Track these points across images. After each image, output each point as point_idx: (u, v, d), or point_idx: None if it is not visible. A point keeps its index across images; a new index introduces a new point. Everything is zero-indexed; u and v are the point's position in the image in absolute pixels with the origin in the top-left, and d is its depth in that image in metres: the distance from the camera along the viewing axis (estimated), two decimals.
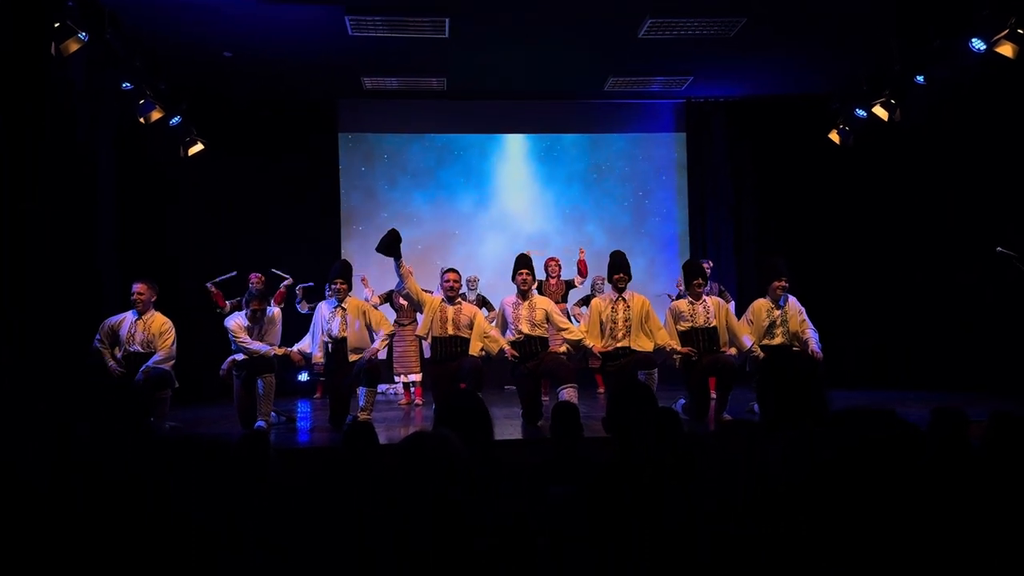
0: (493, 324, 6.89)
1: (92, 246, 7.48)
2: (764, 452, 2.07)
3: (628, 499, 2.04)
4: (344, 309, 6.59)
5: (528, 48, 8.36)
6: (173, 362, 6.52)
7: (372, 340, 6.60)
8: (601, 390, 8.82)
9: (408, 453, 1.73)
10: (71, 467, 2.02)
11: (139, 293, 6.51)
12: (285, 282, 8.48)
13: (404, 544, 1.62)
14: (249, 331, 6.52)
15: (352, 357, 6.51)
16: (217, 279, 8.22)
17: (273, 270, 8.53)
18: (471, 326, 6.46)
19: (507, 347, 6.44)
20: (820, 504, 1.21)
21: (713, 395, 6.84)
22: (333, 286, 6.63)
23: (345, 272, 6.72)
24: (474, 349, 6.40)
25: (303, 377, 9.35)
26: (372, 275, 8.89)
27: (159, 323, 6.53)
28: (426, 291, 6.95)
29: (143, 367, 6.30)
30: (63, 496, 1.92)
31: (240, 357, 6.50)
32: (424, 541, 1.62)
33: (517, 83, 9.54)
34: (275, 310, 6.84)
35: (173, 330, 6.58)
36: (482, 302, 8.41)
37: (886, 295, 9.44)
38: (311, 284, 8.51)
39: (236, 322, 6.52)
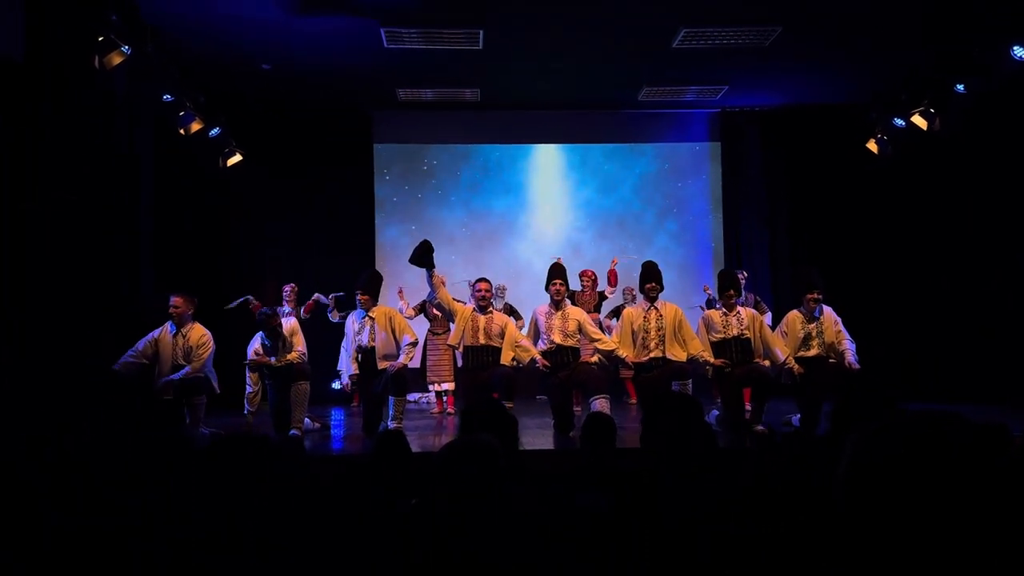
0: (525, 333, 6.89)
1: (135, 253, 7.61)
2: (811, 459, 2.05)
3: (628, 499, 2.04)
4: (372, 318, 6.64)
5: (562, 59, 8.38)
6: (203, 373, 6.62)
7: (399, 346, 6.64)
8: (633, 400, 8.78)
9: (456, 457, 1.74)
10: (71, 467, 2.06)
11: (175, 306, 6.56)
12: (316, 295, 8.57)
13: (441, 545, 1.63)
14: (270, 350, 6.58)
15: (382, 364, 6.56)
16: (231, 304, 8.38)
17: (320, 296, 8.63)
18: (503, 335, 6.48)
19: (538, 357, 6.44)
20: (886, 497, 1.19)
21: (747, 406, 6.77)
22: (356, 297, 6.70)
23: (368, 285, 6.73)
24: (505, 359, 6.42)
25: (336, 385, 9.43)
26: (405, 283, 8.96)
27: (198, 334, 6.60)
28: (458, 301, 7.00)
29: (169, 378, 6.41)
30: (63, 496, 1.95)
31: (269, 358, 6.59)
32: (463, 542, 1.63)
33: (551, 94, 9.56)
34: (291, 321, 6.90)
35: (211, 343, 6.63)
36: (509, 311, 8.42)
37: (922, 306, 9.28)
38: (342, 294, 8.58)
39: (254, 349, 6.63)
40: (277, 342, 6.59)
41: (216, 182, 9.38)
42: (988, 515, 1.22)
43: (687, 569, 1.81)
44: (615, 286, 8.78)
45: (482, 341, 6.46)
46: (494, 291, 8.08)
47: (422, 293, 8.78)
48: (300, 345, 6.71)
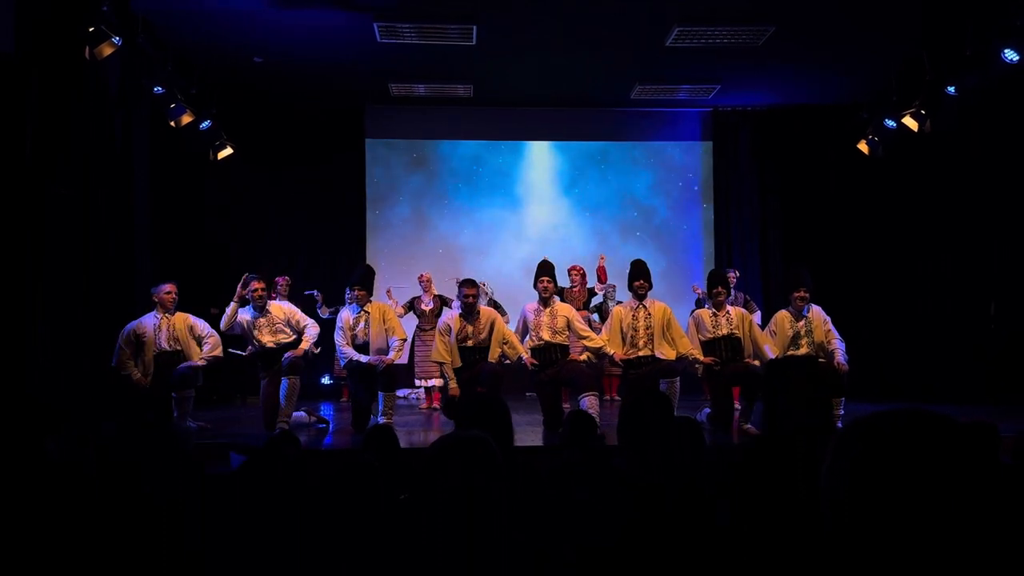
0: (512, 329, 6.88)
1: (130, 247, 7.58)
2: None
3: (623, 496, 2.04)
4: (367, 313, 6.65)
5: (555, 56, 8.37)
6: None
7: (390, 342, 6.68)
8: (614, 396, 8.80)
9: (448, 452, 1.74)
10: (94, 465, 2.05)
11: (172, 293, 6.66)
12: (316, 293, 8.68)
13: (440, 544, 1.63)
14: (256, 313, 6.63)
15: (373, 360, 6.57)
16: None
17: (307, 293, 8.70)
18: (491, 332, 6.49)
19: (525, 356, 6.45)
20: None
21: (738, 405, 6.79)
22: (353, 292, 6.69)
23: (364, 279, 6.77)
24: (493, 355, 6.42)
25: (326, 380, 9.43)
26: (396, 278, 8.96)
27: (182, 319, 6.66)
28: (443, 296, 6.98)
29: (203, 357, 6.57)
30: (80, 493, 1.94)
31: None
32: (461, 539, 1.63)
33: (543, 90, 9.56)
34: (287, 305, 6.93)
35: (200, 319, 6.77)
36: (493, 306, 8.42)
37: (915, 306, 9.33)
38: (315, 291, 8.66)
39: (244, 318, 6.67)
40: (260, 313, 6.63)
41: (209, 177, 9.34)
42: (979, 517, 1.22)
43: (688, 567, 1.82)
44: (605, 282, 8.80)
45: (470, 344, 6.47)
46: (478, 289, 8.09)
47: (409, 292, 8.81)
48: (308, 324, 6.75)
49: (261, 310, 6.63)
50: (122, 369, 6.45)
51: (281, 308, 6.78)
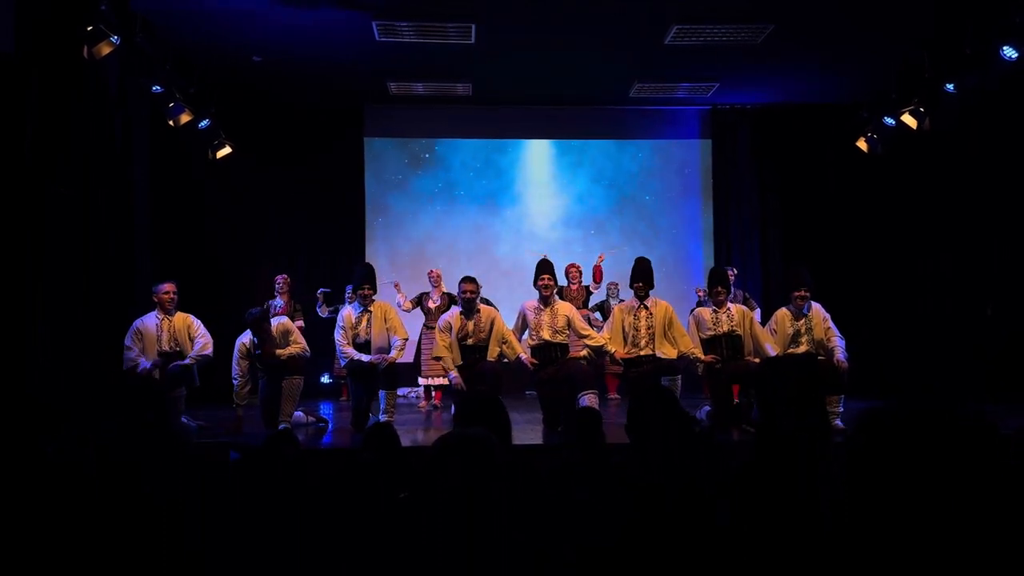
0: (510, 327, 6.88)
1: (130, 247, 7.58)
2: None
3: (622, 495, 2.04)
4: (369, 312, 6.64)
5: (553, 54, 8.37)
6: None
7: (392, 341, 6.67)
8: (612, 395, 8.81)
9: (448, 451, 1.74)
10: (94, 465, 2.06)
11: (172, 292, 6.60)
12: (320, 291, 8.68)
13: (442, 542, 1.63)
14: (258, 347, 6.56)
15: (375, 358, 6.56)
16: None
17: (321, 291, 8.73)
18: (491, 331, 6.49)
19: (524, 356, 6.44)
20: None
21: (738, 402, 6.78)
22: (360, 291, 6.67)
23: (370, 277, 6.77)
24: (492, 355, 6.42)
25: (326, 379, 9.43)
26: (398, 278, 8.95)
27: (183, 319, 6.63)
28: (449, 294, 6.97)
29: (191, 356, 6.48)
30: (81, 491, 1.95)
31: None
32: (463, 536, 1.63)
33: (542, 89, 9.56)
34: (283, 320, 6.87)
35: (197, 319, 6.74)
36: (484, 302, 8.41)
37: (913, 303, 9.34)
38: (329, 290, 8.64)
39: (241, 344, 6.61)
40: (265, 345, 6.57)
41: (209, 177, 9.34)
42: (980, 513, 1.22)
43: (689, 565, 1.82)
44: (600, 282, 8.79)
45: (470, 343, 6.46)
46: (476, 286, 8.06)
47: (415, 288, 8.81)
48: (301, 342, 6.71)
49: (263, 341, 6.56)
50: (135, 369, 6.40)
51: (282, 328, 6.72)
